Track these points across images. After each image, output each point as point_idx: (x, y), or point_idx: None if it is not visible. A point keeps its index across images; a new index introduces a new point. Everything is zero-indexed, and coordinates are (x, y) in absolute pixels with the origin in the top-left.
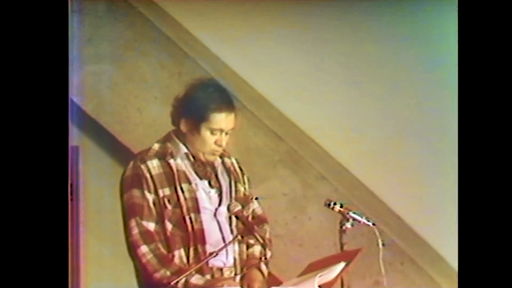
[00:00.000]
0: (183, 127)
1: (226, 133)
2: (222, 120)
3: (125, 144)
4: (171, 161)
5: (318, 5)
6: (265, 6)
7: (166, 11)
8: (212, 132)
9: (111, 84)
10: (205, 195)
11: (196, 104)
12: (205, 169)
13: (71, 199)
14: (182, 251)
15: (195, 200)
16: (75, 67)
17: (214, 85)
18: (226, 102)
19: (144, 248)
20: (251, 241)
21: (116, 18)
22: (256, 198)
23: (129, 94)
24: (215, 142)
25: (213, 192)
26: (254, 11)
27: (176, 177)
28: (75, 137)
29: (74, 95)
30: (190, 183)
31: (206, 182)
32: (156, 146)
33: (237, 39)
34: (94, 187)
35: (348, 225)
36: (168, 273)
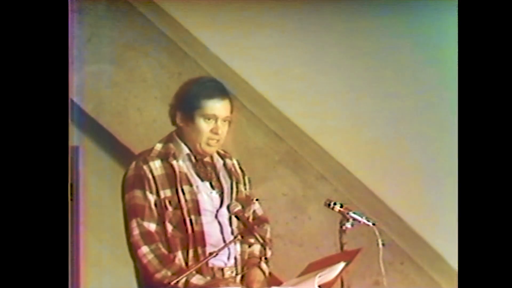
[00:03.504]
0: (179, 120)
1: (223, 121)
2: (215, 106)
3: (125, 144)
4: (174, 162)
5: (317, 5)
6: (266, 6)
7: (166, 11)
8: (206, 119)
9: (111, 84)
10: (207, 196)
11: (188, 95)
12: (206, 170)
13: (71, 199)
14: (182, 253)
15: (196, 202)
16: (75, 67)
17: (207, 78)
18: (218, 89)
19: (145, 249)
20: (252, 241)
21: (116, 18)
22: (257, 200)
23: (129, 94)
24: (211, 131)
25: (215, 193)
26: (254, 11)
27: (177, 178)
28: (75, 137)
29: (74, 95)
30: (191, 185)
31: (207, 184)
32: (158, 147)
33: (237, 39)
34: (94, 187)
35: (348, 225)
36: (169, 273)
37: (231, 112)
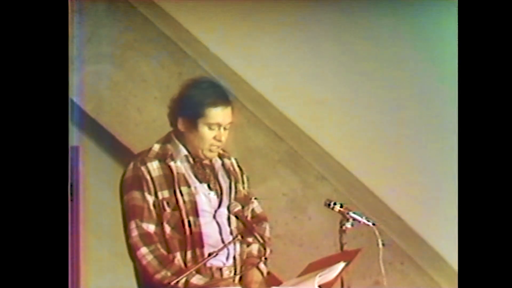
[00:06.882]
0: (180, 126)
1: (225, 128)
2: (219, 114)
3: (125, 144)
4: (171, 163)
5: (317, 5)
6: (265, 6)
7: (166, 11)
8: (210, 127)
9: (111, 84)
10: (205, 198)
11: (191, 101)
12: (204, 172)
13: (71, 199)
14: (181, 254)
15: (194, 204)
16: (75, 67)
17: (207, 81)
18: (221, 96)
19: (144, 250)
20: (250, 240)
21: (116, 18)
22: (256, 199)
23: (129, 94)
24: (214, 138)
25: (213, 194)
26: (254, 11)
27: (175, 180)
28: (75, 137)
29: (74, 95)
30: (189, 186)
31: (205, 185)
32: (156, 147)
33: (237, 39)
34: (94, 187)
35: (348, 225)
36: (169, 274)
37: (232, 116)
